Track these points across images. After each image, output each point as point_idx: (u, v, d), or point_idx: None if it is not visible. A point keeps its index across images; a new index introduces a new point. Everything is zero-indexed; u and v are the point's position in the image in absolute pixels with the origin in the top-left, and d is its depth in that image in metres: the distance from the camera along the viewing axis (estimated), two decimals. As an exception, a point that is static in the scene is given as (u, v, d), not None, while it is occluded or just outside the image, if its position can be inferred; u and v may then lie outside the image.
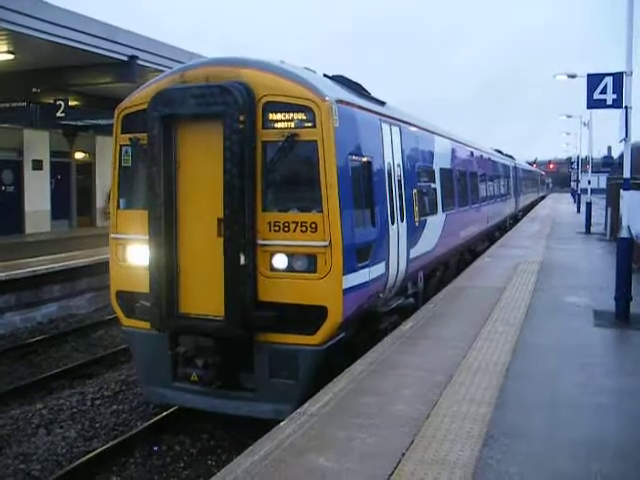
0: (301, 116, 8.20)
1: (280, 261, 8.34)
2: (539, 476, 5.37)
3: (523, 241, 24.41)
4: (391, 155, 10.73)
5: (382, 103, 11.31)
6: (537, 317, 11.27)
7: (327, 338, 8.30)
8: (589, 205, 31.30)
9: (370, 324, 10.08)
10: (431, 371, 8.10)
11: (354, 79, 10.80)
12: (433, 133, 15.05)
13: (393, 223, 10.43)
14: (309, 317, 8.23)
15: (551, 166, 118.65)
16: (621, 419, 6.83)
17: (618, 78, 11.66)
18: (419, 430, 6.21)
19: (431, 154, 14.44)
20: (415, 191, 12.10)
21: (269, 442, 5.96)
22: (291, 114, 8.23)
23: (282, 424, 6.40)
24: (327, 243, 8.11)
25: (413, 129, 12.99)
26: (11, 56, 19.52)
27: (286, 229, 8.27)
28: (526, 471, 5.42)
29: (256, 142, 8.27)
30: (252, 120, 8.21)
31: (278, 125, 8.27)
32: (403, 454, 5.69)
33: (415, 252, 11.82)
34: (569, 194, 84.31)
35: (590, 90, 11.95)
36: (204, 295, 8.57)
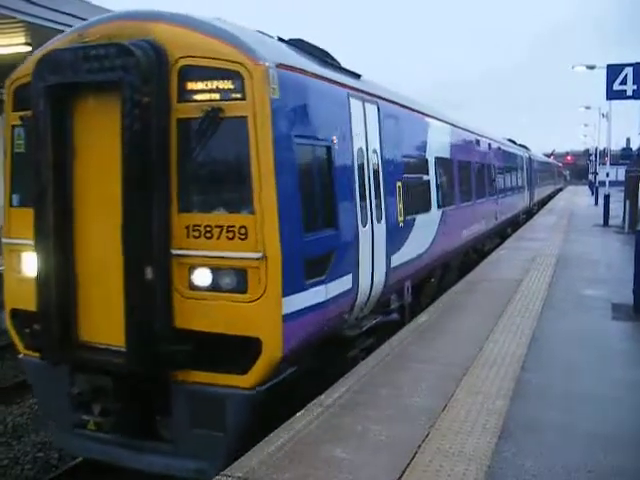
0: (228, 85, 6.33)
1: (202, 277, 6.47)
2: (555, 470, 5.34)
3: (540, 233, 24.24)
4: (364, 139, 8.70)
5: (357, 76, 9.30)
6: (554, 310, 11.19)
7: (262, 379, 6.42)
8: (607, 198, 31.00)
9: (335, 352, 8.18)
10: (447, 364, 8.08)
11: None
12: (426, 115, 12.83)
13: (365, 224, 8.49)
14: (239, 351, 6.36)
15: (569, 158, 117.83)
16: (638, 412, 6.78)
17: (639, 68, 11.52)
18: (435, 422, 6.20)
19: (423, 140, 12.36)
20: (400, 184, 10.13)
21: (285, 433, 5.96)
22: (215, 82, 6.36)
23: (298, 415, 6.40)
24: (260, 255, 6.23)
25: (398, 109, 10.79)
26: (28, 48, 19.62)
27: (208, 235, 6.41)
28: (542, 464, 5.39)
29: (169, 120, 6.45)
30: (163, 90, 6.37)
31: (199, 97, 6.42)
32: (419, 446, 5.69)
33: (399, 258, 9.93)
34: (587, 186, 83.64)
35: (610, 81, 11.83)
36: (107, 319, 6.70)
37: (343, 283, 7.81)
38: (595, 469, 5.37)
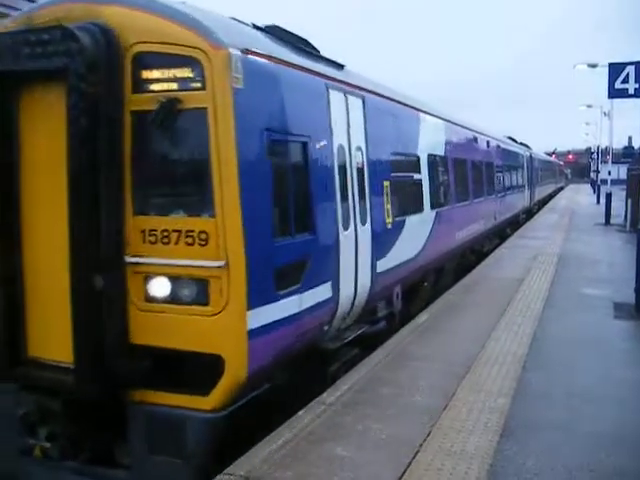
0: (186, 73, 5.67)
1: (159, 287, 5.84)
2: (556, 469, 5.35)
3: (541, 232, 24.26)
4: (346, 135, 8.04)
5: (339, 66, 8.61)
6: (556, 309, 11.20)
7: (226, 400, 5.82)
8: (609, 196, 30.96)
9: (312, 366, 7.56)
10: (448, 362, 8.09)
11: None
12: (419, 111, 12.06)
13: (347, 228, 7.86)
14: (200, 370, 5.78)
15: (570, 156, 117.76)
16: (639, 412, 6.78)
17: (640, 67, 11.53)
18: (436, 421, 6.22)
19: (415, 137, 11.60)
20: (387, 184, 9.41)
21: (287, 432, 5.98)
22: (172, 70, 5.70)
23: (300, 413, 6.43)
24: (222, 263, 5.62)
25: (387, 103, 10.10)
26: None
27: (166, 240, 5.77)
28: (543, 463, 5.41)
29: (122, 112, 5.79)
30: (115, 79, 5.72)
31: (155, 87, 5.76)
32: (420, 444, 5.70)
33: (386, 263, 9.27)
34: (588, 185, 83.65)
35: (612, 79, 11.83)
36: (57, 332, 6.02)
37: (321, 292, 7.19)
38: (596, 468, 5.38)
